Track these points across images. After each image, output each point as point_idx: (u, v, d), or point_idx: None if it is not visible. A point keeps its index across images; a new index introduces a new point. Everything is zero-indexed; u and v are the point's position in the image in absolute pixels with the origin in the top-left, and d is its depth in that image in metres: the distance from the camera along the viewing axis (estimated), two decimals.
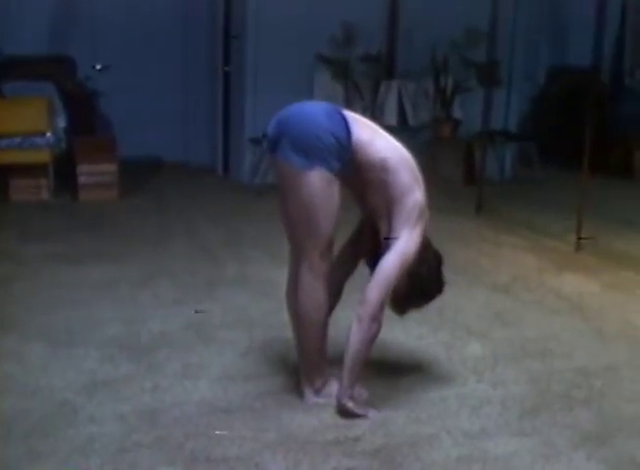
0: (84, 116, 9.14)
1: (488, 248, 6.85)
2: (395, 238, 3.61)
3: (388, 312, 3.73)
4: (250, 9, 9.04)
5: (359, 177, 3.66)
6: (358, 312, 3.58)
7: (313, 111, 3.65)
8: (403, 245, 3.60)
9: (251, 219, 7.49)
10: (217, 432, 3.51)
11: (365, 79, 9.23)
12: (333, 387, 3.78)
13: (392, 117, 9.24)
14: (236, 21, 9.43)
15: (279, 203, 3.75)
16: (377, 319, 3.58)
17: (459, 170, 9.46)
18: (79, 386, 3.96)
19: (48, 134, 8.12)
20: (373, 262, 3.69)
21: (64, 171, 8.24)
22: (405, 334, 4.73)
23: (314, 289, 3.64)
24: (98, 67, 9.62)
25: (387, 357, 4.37)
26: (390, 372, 4.19)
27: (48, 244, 6.54)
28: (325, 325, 3.75)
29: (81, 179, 8.16)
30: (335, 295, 3.92)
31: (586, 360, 4.50)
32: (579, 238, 6.76)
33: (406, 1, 9.37)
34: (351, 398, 3.66)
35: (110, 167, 8.25)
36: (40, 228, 7.12)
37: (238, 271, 5.94)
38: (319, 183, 3.52)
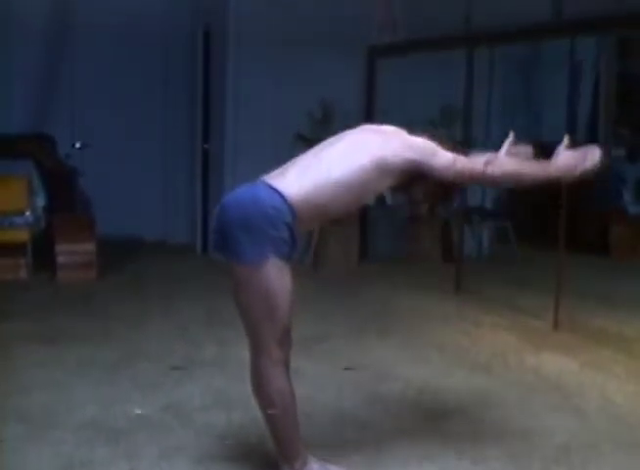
0: (64, 194, 9.15)
1: (467, 327, 6.85)
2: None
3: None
4: (229, 88, 9.16)
5: (326, 211, 3.67)
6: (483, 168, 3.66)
7: (251, 193, 3.56)
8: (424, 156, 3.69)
9: (229, 299, 7.45)
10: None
11: None
12: (312, 466, 3.74)
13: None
14: (215, 98, 9.54)
15: (233, 293, 3.69)
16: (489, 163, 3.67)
17: (437, 249, 9.52)
18: (55, 469, 3.90)
19: (27, 213, 8.14)
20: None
21: (42, 249, 8.22)
22: (386, 413, 4.71)
23: (275, 377, 3.62)
24: (78, 145, 9.67)
25: (367, 436, 4.35)
26: (371, 450, 4.17)
27: (25, 323, 6.50)
28: (292, 409, 3.70)
29: (60, 258, 8.14)
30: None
31: (566, 438, 4.49)
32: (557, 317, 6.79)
33: (382, 80, 9.51)
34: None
35: (88, 247, 8.25)
36: (18, 307, 7.08)
37: (216, 352, 5.92)
38: (273, 273, 3.49)
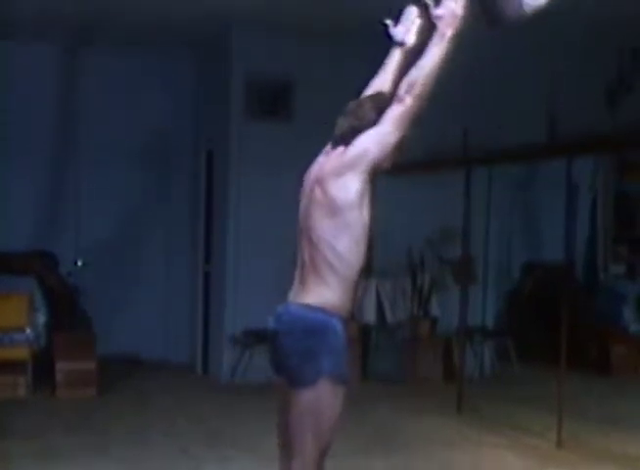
0: (65, 311, 9.16)
1: (470, 447, 6.79)
2: None
3: None
4: (231, 209, 9.25)
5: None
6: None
7: (296, 319, 3.51)
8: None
9: (230, 419, 7.43)
10: None
11: None
12: None
13: (371, 316, 9.32)
14: (217, 219, 9.64)
15: (279, 416, 3.60)
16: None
17: (438, 368, 9.47)
18: None
19: (28, 330, 8.14)
20: None
21: (42, 366, 8.18)
22: None
23: None
24: (80, 263, 9.72)
25: None
26: None
27: (23, 441, 6.45)
28: None
29: (60, 376, 8.11)
30: None
31: None
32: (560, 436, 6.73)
33: (381, 202, 9.58)
34: None
35: (89, 364, 8.22)
36: (16, 426, 7.02)
37: None
38: (327, 393, 3.42)
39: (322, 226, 3.63)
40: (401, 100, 3.54)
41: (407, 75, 3.55)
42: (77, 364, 8.19)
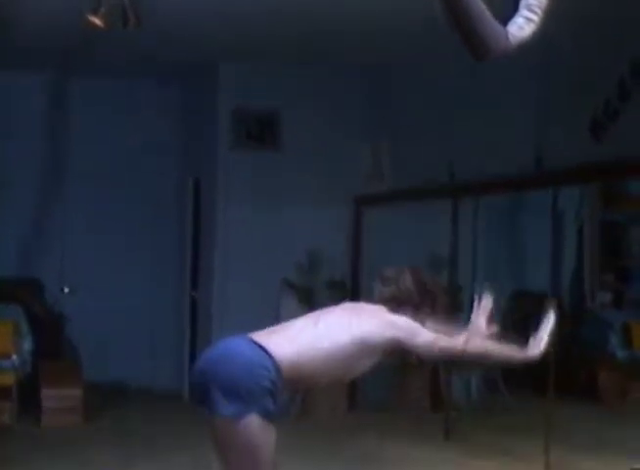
0: (50, 338, 9.15)
1: None
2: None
3: None
4: (217, 237, 9.28)
5: (312, 378, 3.65)
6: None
7: (236, 348, 3.54)
8: (406, 335, 3.65)
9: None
10: None
11: (330, 304, 9.33)
12: None
13: None
14: (204, 247, 9.65)
15: (216, 451, 3.61)
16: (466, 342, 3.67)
17: (426, 397, 9.46)
18: None
19: (13, 357, 8.11)
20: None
21: (28, 394, 8.14)
22: None
23: None
24: (66, 290, 9.71)
25: None
26: None
27: (7, 469, 6.40)
28: None
29: (45, 404, 8.07)
30: None
31: None
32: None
33: (369, 229, 9.64)
34: None
35: (74, 392, 8.19)
36: (1, 452, 6.96)
37: None
38: (255, 429, 3.41)
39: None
40: (446, 344, 3.70)
41: (472, 336, 3.73)
42: (63, 391, 8.17)
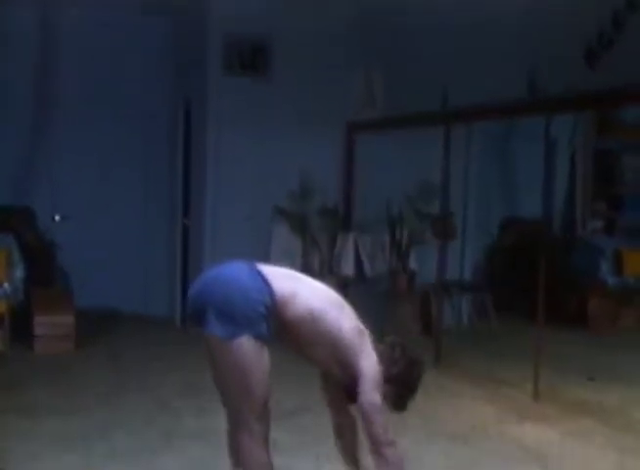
0: (42, 266, 9.15)
1: (448, 398, 6.85)
2: (355, 368, 3.68)
3: None
4: (209, 163, 9.23)
5: (291, 333, 3.69)
6: (371, 451, 3.62)
7: (235, 274, 3.64)
8: (367, 374, 3.68)
9: (208, 371, 7.41)
10: None
11: (322, 232, 9.37)
12: None
13: (349, 269, 9.34)
14: (195, 173, 9.61)
15: (211, 370, 3.72)
16: (390, 444, 3.63)
17: (416, 321, 9.52)
18: None
19: (5, 285, 8.11)
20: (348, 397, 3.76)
21: (20, 321, 8.16)
22: None
23: (255, 451, 3.62)
24: (57, 218, 9.68)
25: None
26: None
27: (1, 395, 6.43)
28: None
29: (38, 330, 8.09)
30: (351, 424, 3.98)
31: None
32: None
33: (361, 156, 9.62)
34: None
35: (66, 319, 8.21)
36: None
37: (196, 423, 5.88)
38: (247, 350, 3.51)
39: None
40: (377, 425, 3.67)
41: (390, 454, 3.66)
42: (55, 318, 8.18)
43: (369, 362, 3.69)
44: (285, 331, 3.66)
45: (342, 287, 9.23)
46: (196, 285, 3.74)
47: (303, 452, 5.22)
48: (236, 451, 3.67)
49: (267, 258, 7.84)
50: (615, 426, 6.14)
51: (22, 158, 9.87)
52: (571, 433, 5.91)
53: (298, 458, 5.05)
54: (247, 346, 3.50)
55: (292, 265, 3.90)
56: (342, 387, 3.83)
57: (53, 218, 9.70)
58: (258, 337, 3.52)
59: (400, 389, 3.83)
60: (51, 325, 8.15)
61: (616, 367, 8.11)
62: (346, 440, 3.97)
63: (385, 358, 3.77)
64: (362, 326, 3.80)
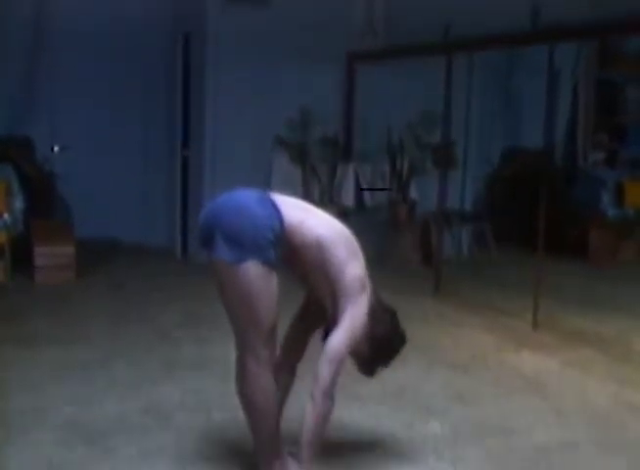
0: (42, 197, 9.11)
1: (447, 327, 6.88)
2: (341, 313, 3.64)
3: (355, 378, 3.71)
4: (208, 94, 9.14)
5: (297, 259, 3.68)
6: (311, 391, 3.58)
7: (245, 201, 3.63)
8: (349, 319, 3.64)
9: (208, 301, 7.43)
10: None
11: (322, 162, 9.33)
12: (291, 468, 3.74)
13: (350, 199, 9.33)
14: (195, 104, 9.52)
15: (219, 294, 3.71)
16: (330, 396, 3.59)
17: (416, 251, 9.53)
18: None
19: (5, 215, 8.09)
20: (325, 338, 3.70)
21: (20, 253, 8.16)
22: (365, 414, 4.72)
23: (260, 376, 3.62)
24: (56, 148, 9.62)
25: (346, 437, 4.35)
26: (351, 452, 4.17)
27: (2, 325, 6.46)
28: (275, 410, 3.73)
29: (38, 261, 8.09)
30: (290, 376, 3.97)
31: (545, 437, 4.51)
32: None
33: (362, 85, 9.54)
34: None
35: (67, 249, 8.20)
36: None
37: (196, 353, 5.90)
38: (255, 275, 3.50)
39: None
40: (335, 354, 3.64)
41: (322, 396, 3.60)
42: (56, 249, 8.17)
43: (357, 312, 3.66)
44: (292, 257, 3.66)
45: (343, 217, 9.23)
46: (206, 210, 3.76)
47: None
48: (242, 377, 3.68)
49: (268, 189, 7.80)
50: (614, 356, 6.17)
51: (19, 88, 9.76)
52: (571, 362, 5.94)
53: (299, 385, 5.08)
54: (254, 271, 3.50)
55: (292, 196, 3.84)
56: (324, 327, 3.80)
57: (52, 149, 9.63)
58: (266, 263, 3.52)
59: (374, 353, 3.81)
60: (51, 255, 8.15)
61: (615, 298, 8.14)
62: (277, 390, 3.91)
63: (373, 317, 3.75)
64: (367, 279, 3.75)
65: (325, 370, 3.58)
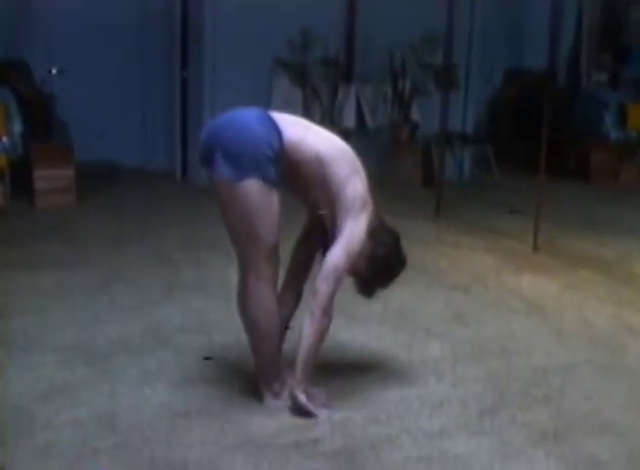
0: (41, 120, 9.04)
1: (447, 249, 6.88)
2: (341, 230, 3.63)
3: (354, 300, 3.71)
4: (207, 14, 9.02)
5: (297, 176, 3.65)
6: (310, 306, 3.58)
7: (245, 118, 3.60)
8: (348, 235, 3.62)
9: (208, 223, 7.42)
10: None
11: (323, 83, 9.24)
12: (291, 389, 3.76)
13: (351, 121, 9.27)
14: (193, 26, 9.39)
15: (220, 213, 3.69)
16: (327, 312, 3.59)
17: (417, 173, 9.49)
18: (36, 392, 3.90)
19: (4, 139, 8.05)
20: (325, 253, 3.70)
21: (20, 176, 8.13)
22: (365, 334, 4.73)
23: (262, 295, 3.63)
24: (54, 71, 9.51)
25: (346, 358, 4.36)
26: (351, 373, 4.18)
27: (3, 249, 6.45)
28: (276, 330, 3.74)
29: (38, 184, 8.05)
30: (295, 297, 3.95)
31: (545, 359, 4.53)
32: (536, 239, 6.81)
33: (364, 6, 9.40)
34: (306, 393, 3.65)
35: (66, 172, 8.16)
36: None
37: (196, 275, 5.91)
38: (255, 192, 3.49)
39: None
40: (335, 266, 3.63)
41: (321, 312, 3.60)
42: (55, 172, 8.12)
43: (357, 229, 3.63)
44: (293, 175, 3.63)
45: (344, 138, 9.17)
46: (206, 128, 3.73)
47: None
48: (244, 297, 3.68)
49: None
50: (614, 278, 6.17)
51: (15, 9, 9.62)
52: (570, 285, 5.95)
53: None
54: (254, 188, 3.49)
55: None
56: (324, 243, 3.78)
57: (49, 71, 9.53)
58: (266, 180, 3.50)
59: (374, 274, 3.79)
60: (51, 179, 8.11)
61: (616, 220, 8.13)
62: (282, 311, 3.90)
63: (375, 236, 3.72)
64: (369, 198, 3.71)
65: (323, 286, 3.58)
